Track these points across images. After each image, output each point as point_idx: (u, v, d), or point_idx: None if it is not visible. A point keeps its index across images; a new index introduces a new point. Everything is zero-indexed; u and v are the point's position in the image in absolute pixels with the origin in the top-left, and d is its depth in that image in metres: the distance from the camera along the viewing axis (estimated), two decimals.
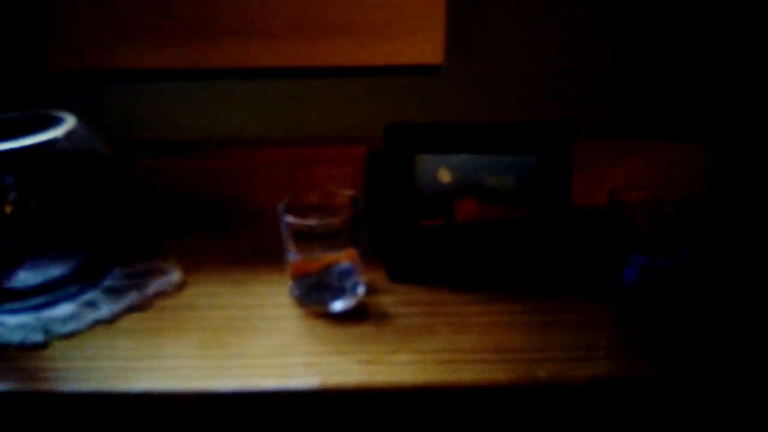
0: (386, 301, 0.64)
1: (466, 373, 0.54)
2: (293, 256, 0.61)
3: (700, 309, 0.62)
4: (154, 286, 0.65)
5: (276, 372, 0.54)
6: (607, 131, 0.80)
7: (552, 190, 0.67)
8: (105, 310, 0.62)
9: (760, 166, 0.80)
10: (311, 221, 0.60)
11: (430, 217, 0.68)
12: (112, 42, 0.71)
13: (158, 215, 0.74)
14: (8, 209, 0.59)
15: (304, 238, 0.61)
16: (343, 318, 0.61)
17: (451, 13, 0.75)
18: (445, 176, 0.68)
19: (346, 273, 0.62)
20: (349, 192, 0.64)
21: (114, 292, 0.65)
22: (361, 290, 0.64)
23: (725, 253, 0.71)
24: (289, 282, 0.64)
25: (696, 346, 0.57)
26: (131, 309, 0.63)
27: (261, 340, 0.58)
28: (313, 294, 0.62)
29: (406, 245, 0.68)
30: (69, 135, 0.61)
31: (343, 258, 0.62)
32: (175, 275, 0.67)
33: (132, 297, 0.64)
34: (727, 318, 0.61)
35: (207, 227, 0.76)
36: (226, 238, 0.74)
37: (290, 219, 0.60)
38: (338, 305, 0.62)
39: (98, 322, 0.61)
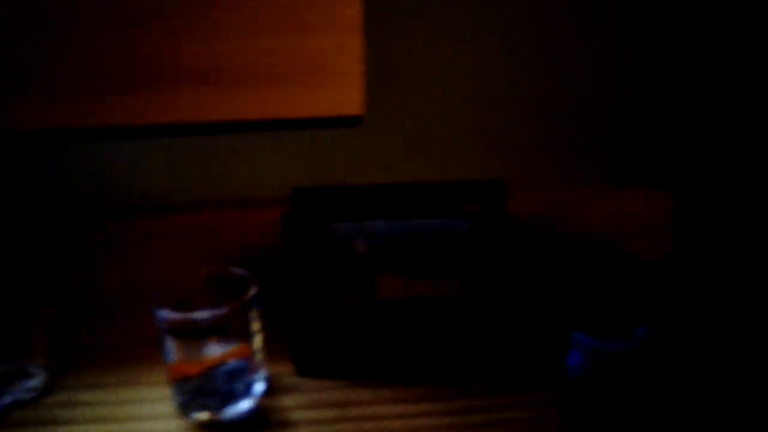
0: (290, 402, 0.53)
1: None
2: (170, 356, 0.51)
3: (663, 402, 0.52)
4: (11, 395, 0.54)
5: None
6: (548, 183, 0.71)
7: (485, 258, 0.58)
8: None
9: (723, 216, 0.71)
10: (191, 315, 0.49)
11: (346, 296, 0.58)
12: None
13: (24, 300, 0.64)
14: None
15: (185, 334, 0.50)
16: (234, 430, 0.51)
17: (368, 56, 0.66)
18: (362, 247, 0.59)
19: (237, 373, 0.52)
20: (239, 270, 0.54)
21: None
22: (258, 391, 0.53)
23: (692, 326, 0.61)
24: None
25: None
26: None
27: None
28: (197, 401, 0.51)
29: (315, 330, 0.57)
30: None
31: (232, 355, 0.51)
32: (40, 378, 0.56)
33: None
34: (696, 411, 0.51)
35: (85, 313, 0.65)
36: (106, 326, 0.63)
37: (165, 313, 0.49)
38: (228, 413, 0.51)
39: None
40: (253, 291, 0.52)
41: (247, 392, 0.52)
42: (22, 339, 0.61)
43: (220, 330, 0.50)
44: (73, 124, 0.64)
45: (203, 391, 0.51)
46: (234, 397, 0.51)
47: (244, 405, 0.52)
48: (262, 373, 0.54)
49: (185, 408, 0.52)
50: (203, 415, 0.51)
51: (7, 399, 0.54)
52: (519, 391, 0.54)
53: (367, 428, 0.50)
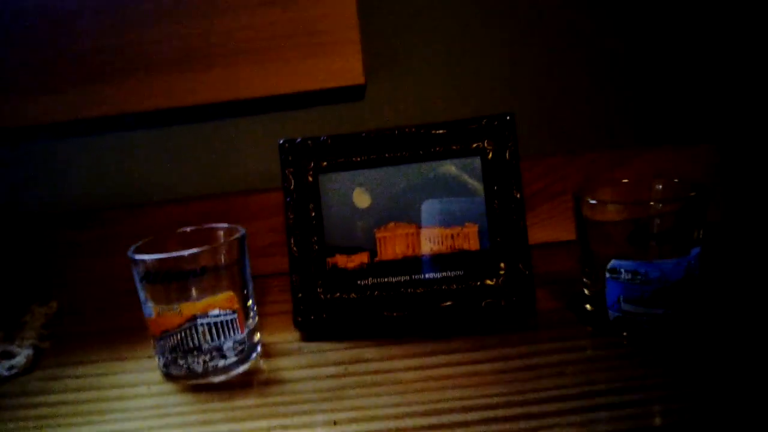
0: (288, 363, 0.46)
1: None
2: (148, 307, 0.46)
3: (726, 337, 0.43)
4: None
5: None
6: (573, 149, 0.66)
7: (501, 200, 0.51)
8: None
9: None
10: (168, 255, 0.45)
11: (347, 255, 0.52)
12: None
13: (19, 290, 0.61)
14: None
15: (163, 279, 0.45)
16: (224, 388, 0.44)
17: (366, 26, 0.64)
18: (362, 200, 0.53)
19: (224, 325, 0.46)
20: (225, 225, 0.50)
21: None
22: (249, 349, 0.47)
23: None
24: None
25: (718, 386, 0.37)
26: None
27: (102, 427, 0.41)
28: (179, 360, 0.45)
29: (316, 294, 0.51)
30: None
31: (216, 305, 0.45)
32: (23, 357, 0.51)
33: None
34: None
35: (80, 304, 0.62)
36: (97, 314, 0.59)
37: (140, 256, 0.45)
38: (217, 374, 0.45)
39: None
40: (239, 234, 0.47)
41: (239, 350, 0.46)
42: (15, 326, 0.58)
43: (202, 275, 0.45)
44: (67, 117, 0.64)
45: (184, 346, 0.45)
46: (222, 354, 0.45)
47: (234, 364, 0.46)
48: (255, 329, 0.48)
49: (168, 370, 0.46)
50: (190, 378, 0.45)
51: None
52: (553, 338, 0.45)
53: (372, 381, 0.43)
